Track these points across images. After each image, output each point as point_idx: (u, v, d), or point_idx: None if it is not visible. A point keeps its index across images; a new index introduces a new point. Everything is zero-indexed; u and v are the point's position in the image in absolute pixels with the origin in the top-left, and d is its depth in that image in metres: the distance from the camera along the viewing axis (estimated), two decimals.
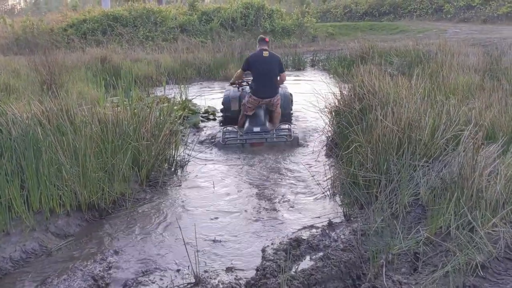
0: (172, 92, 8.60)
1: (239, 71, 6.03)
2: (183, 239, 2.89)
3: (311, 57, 14.07)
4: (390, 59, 9.04)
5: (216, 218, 3.55)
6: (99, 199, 3.64)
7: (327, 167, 4.31)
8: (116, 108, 4.53)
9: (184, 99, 7.16)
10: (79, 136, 3.71)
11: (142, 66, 10.37)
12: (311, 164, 4.69)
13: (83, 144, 3.60)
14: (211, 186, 4.25)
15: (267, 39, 5.90)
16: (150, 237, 3.25)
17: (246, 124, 5.78)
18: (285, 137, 5.48)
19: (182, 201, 3.91)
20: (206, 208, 3.75)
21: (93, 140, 4.00)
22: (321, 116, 5.15)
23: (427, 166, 3.49)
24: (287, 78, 6.16)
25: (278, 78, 5.87)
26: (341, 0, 26.82)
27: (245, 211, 3.66)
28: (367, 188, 3.50)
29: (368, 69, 5.30)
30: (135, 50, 12.96)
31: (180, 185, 4.32)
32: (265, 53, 5.66)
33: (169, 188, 4.24)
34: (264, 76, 5.66)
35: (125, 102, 4.86)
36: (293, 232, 3.23)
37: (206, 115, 6.94)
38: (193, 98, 7.61)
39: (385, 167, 3.46)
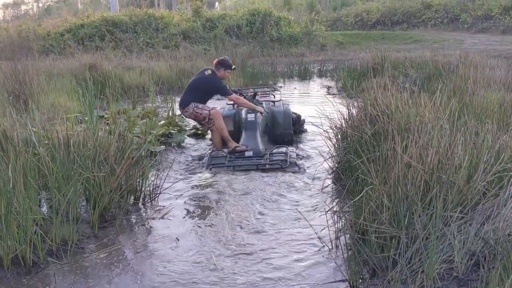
0: (162, 104, 7.80)
1: None
2: None
3: (318, 67, 13.20)
4: (405, 71, 8.13)
5: (176, 281, 2.66)
6: (28, 251, 2.77)
7: (330, 210, 3.39)
8: (71, 128, 3.70)
9: (171, 113, 6.31)
10: (6, 166, 2.87)
11: (134, 74, 9.57)
12: (309, 205, 3.73)
13: (7, 176, 2.76)
14: (181, 227, 3.36)
15: (216, 61, 5.36)
16: None
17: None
18: (279, 163, 4.62)
19: (137, 252, 3.02)
20: (166, 261, 2.86)
21: (38, 171, 3.21)
22: (324, 140, 4.26)
23: (462, 218, 2.58)
24: (289, 89, 5.37)
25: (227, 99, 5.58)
26: (352, 9, 25.95)
27: (219, 272, 2.75)
28: (381, 247, 2.58)
29: (382, 83, 4.41)
30: (129, 58, 12.17)
31: (143, 226, 3.45)
32: (207, 72, 5.28)
33: (128, 231, 3.35)
34: (188, 86, 5.38)
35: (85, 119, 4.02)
36: None
37: (194, 130, 6.07)
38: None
39: (406, 220, 2.56)
